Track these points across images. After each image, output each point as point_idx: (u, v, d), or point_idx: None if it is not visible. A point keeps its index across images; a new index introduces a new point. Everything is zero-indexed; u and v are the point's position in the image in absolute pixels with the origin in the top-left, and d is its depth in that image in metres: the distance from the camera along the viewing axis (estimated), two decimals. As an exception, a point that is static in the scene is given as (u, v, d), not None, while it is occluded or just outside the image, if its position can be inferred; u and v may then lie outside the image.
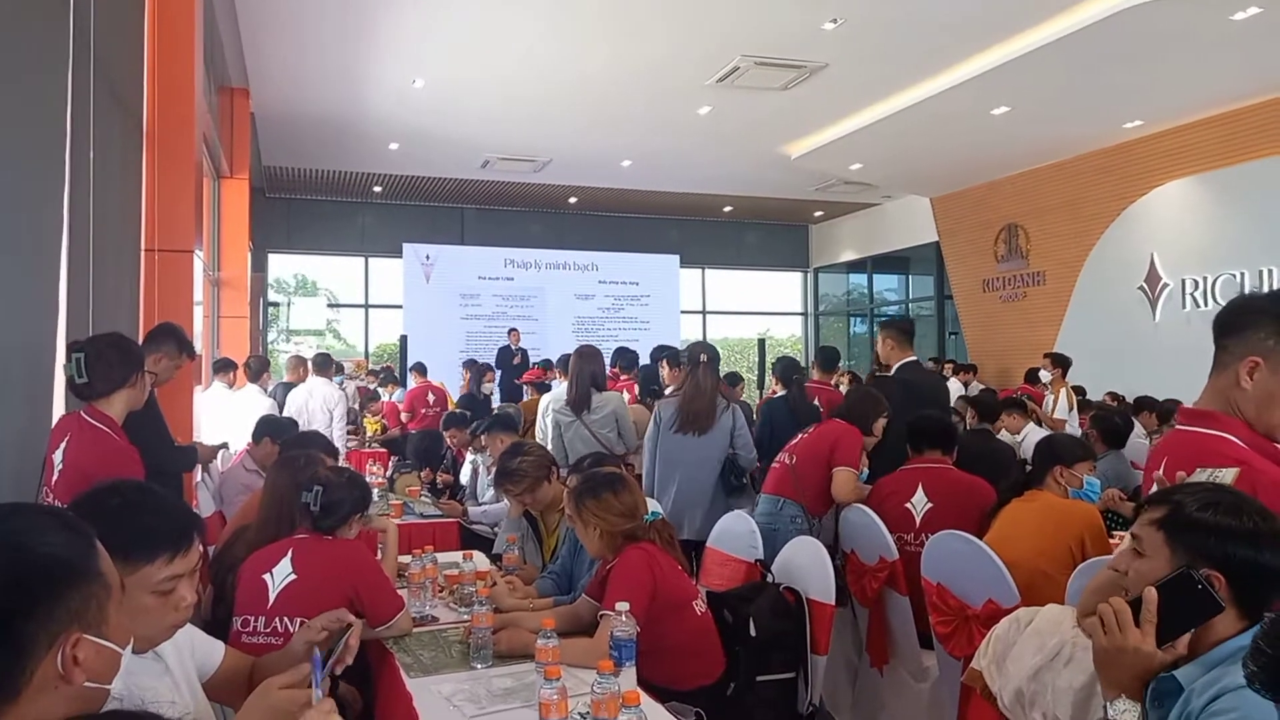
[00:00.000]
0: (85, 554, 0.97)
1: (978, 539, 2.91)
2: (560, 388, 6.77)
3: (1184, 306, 9.59)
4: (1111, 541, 3.07)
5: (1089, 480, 3.21)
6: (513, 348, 11.81)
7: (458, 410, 6.75)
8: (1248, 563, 1.39)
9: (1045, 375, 8.46)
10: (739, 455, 4.39)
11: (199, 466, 4.65)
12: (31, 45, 2.83)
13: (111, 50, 3.86)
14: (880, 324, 4.84)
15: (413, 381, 9.51)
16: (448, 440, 6.12)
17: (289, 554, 2.51)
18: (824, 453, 3.96)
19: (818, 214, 15.69)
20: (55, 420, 2.98)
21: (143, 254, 4.75)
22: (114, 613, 1.00)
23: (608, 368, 8.11)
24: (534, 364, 8.65)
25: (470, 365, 10.13)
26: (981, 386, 9.25)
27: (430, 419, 8.41)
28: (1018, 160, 11.10)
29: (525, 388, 8.38)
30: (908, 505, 3.59)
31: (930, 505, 3.54)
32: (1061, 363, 8.37)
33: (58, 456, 2.72)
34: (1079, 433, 6.53)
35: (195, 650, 1.79)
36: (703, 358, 4.46)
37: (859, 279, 16.16)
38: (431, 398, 8.99)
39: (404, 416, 9.05)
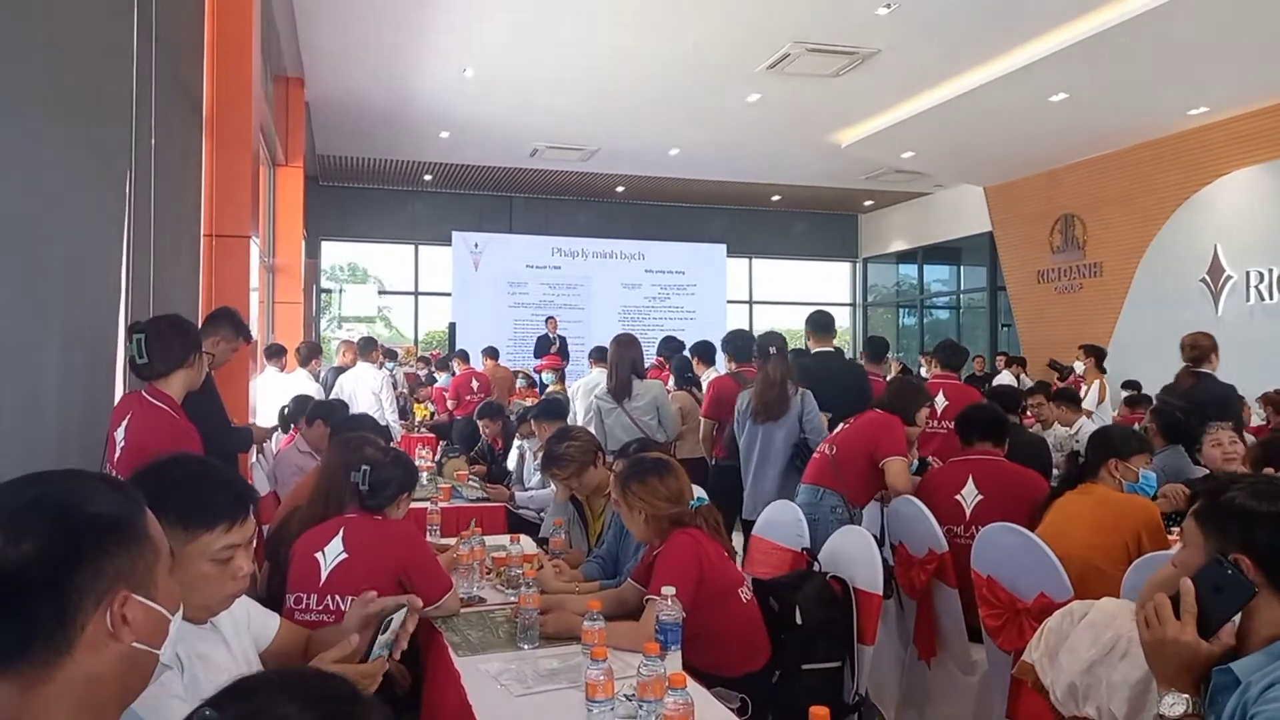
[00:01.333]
0: (134, 515, 1.00)
1: (1030, 532, 2.86)
2: (595, 374, 6.84)
3: (1248, 300, 9.30)
4: (1170, 538, 3.00)
5: (1145, 474, 3.12)
6: (551, 335, 11.87)
7: (491, 402, 6.83)
8: (1270, 545, 1.37)
9: (1079, 366, 8.42)
10: (809, 439, 4.40)
11: (254, 448, 4.76)
12: (97, 33, 2.91)
13: (173, 38, 3.95)
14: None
15: (457, 369, 9.62)
16: (482, 431, 6.22)
17: (340, 533, 2.55)
18: (865, 444, 3.93)
19: (867, 203, 15.51)
20: (117, 399, 3.07)
21: (202, 239, 4.86)
22: (163, 578, 1.02)
23: (655, 356, 8.21)
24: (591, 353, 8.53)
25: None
26: (1031, 381, 9.06)
27: (475, 405, 8.50)
28: (1076, 149, 10.84)
29: (545, 374, 8.38)
30: (958, 497, 3.54)
31: (981, 497, 3.49)
32: (1095, 353, 8.34)
33: (119, 434, 2.79)
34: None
35: (252, 622, 1.83)
36: (772, 350, 4.56)
37: (909, 269, 15.95)
38: (475, 384, 9.07)
39: (450, 404, 9.16)
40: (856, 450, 3.95)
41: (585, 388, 6.34)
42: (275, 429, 5.20)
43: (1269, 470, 2.94)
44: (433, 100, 9.52)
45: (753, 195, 14.71)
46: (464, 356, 9.61)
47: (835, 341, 5.32)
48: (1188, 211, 9.97)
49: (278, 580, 2.69)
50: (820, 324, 5.20)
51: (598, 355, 6.98)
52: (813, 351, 5.27)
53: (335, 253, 14.61)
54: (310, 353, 7.85)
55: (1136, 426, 4.88)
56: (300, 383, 7.15)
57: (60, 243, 2.59)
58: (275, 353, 7.13)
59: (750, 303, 16.25)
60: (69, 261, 2.66)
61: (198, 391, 3.09)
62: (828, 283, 16.91)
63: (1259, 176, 9.22)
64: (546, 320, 12.30)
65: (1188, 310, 9.84)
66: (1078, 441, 5.43)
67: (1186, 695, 1.39)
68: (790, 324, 16.49)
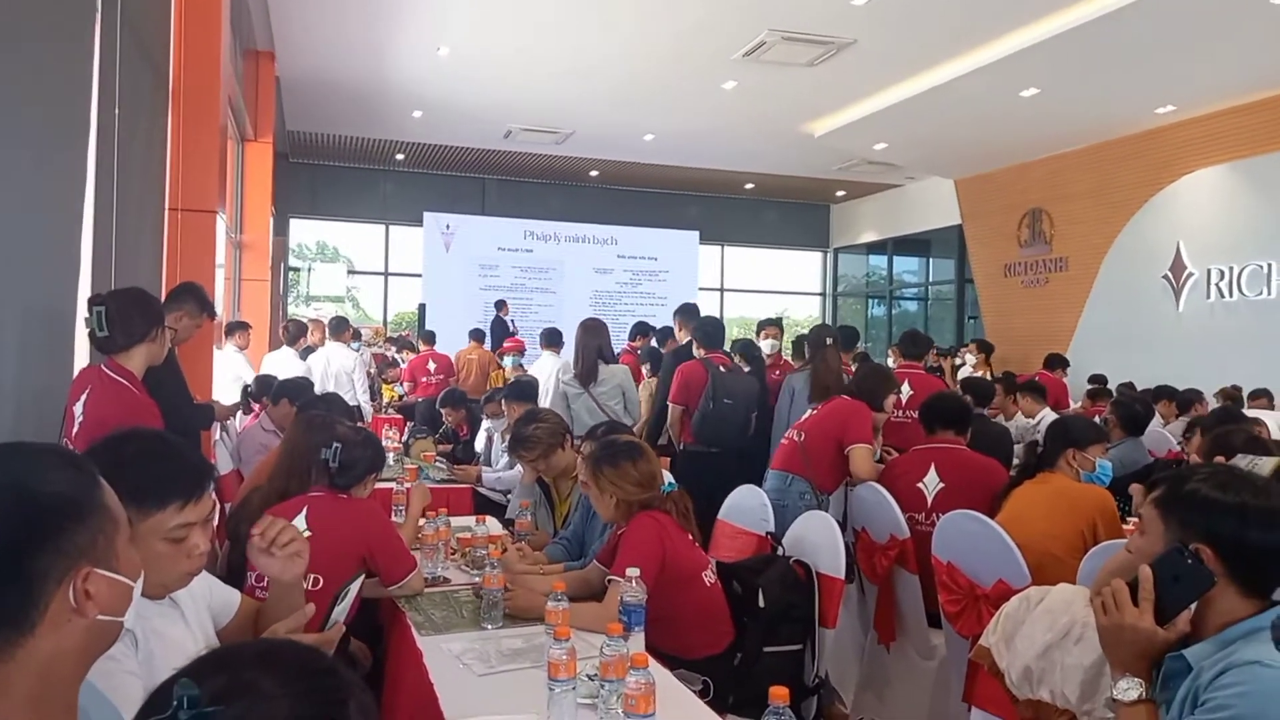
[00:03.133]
0: (89, 489, 0.98)
1: (989, 519, 2.90)
2: (547, 360, 6.87)
3: (1208, 297, 9.47)
4: (1125, 528, 3.05)
5: (1101, 463, 3.17)
6: (505, 319, 11.79)
7: (454, 390, 6.82)
8: (1233, 537, 1.39)
9: (970, 357, 9.21)
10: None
11: (217, 425, 4.70)
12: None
13: (139, 7, 3.86)
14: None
15: (422, 350, 9.55)
16: (445, 419, 6.22)
17: (304, 511, 2.53)
18: (833, 430, 3.96)
19: (840, 194, 15.57)
20: (76, 373, 3.01)
21: (166, 213, 4.77)
22: (123, 547, 1.01)
23: (627, 341, 8.22)
24: (632, 337, 8.29)
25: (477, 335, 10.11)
26: (973, 368, 9.27)
27: (432, 387, 8.46)
28: (1045, 144, 10.95)
29: (506, 358, 8.31)
30: (920, 485, 3.58)
31: (942, 485, 3.53)
32: (985, 349, 9.20)
33: (78, 408, 2.75)
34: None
35: (212, 598, 1.81)
36: (829, 340, 4.78)
37: (879, 260, 16.04)
38: (432, 365, 9.01)
39: (406, 386, 9.10)
40: (824, 436, 3.98)
41: (539, 374, 6.36)
42: (238, 407, 5.14)
43: (1219, 459, 2.99)
44: (406, 78, 9.40)
45: (726, 183, 14.71)
46: (429, 338, 9.52)
47: (803, 332, 5.44)
48: (1152, 208, 10.12)
49: (238, 557, 2.66)
50: (690, 312, 5.50)
51: (549, 339, 6.99)
52: (684, 342, 5.48)
53: (304, 231, 14.41)
54: (298, 331, 7.78)
55: (1097, 418, 4.97)
56: (286, 361, 7.09)
57: (18, 212, 2.53)
58: (235, 329, 7.03)
59: (722, 290, 16.28)
60: (26, 232, 2.60)
61: (159, 367, 3.04)
62: (799, 272, 16.98)
63: (1222, 176, 9.38)
64: (498, 304, 12.14)
65: (1150, 306, 10.01)
66: (1039, 432, 5.51)
67: (1140, 680, 1.42)
68: (760, 312, 16.55)
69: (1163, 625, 1.40)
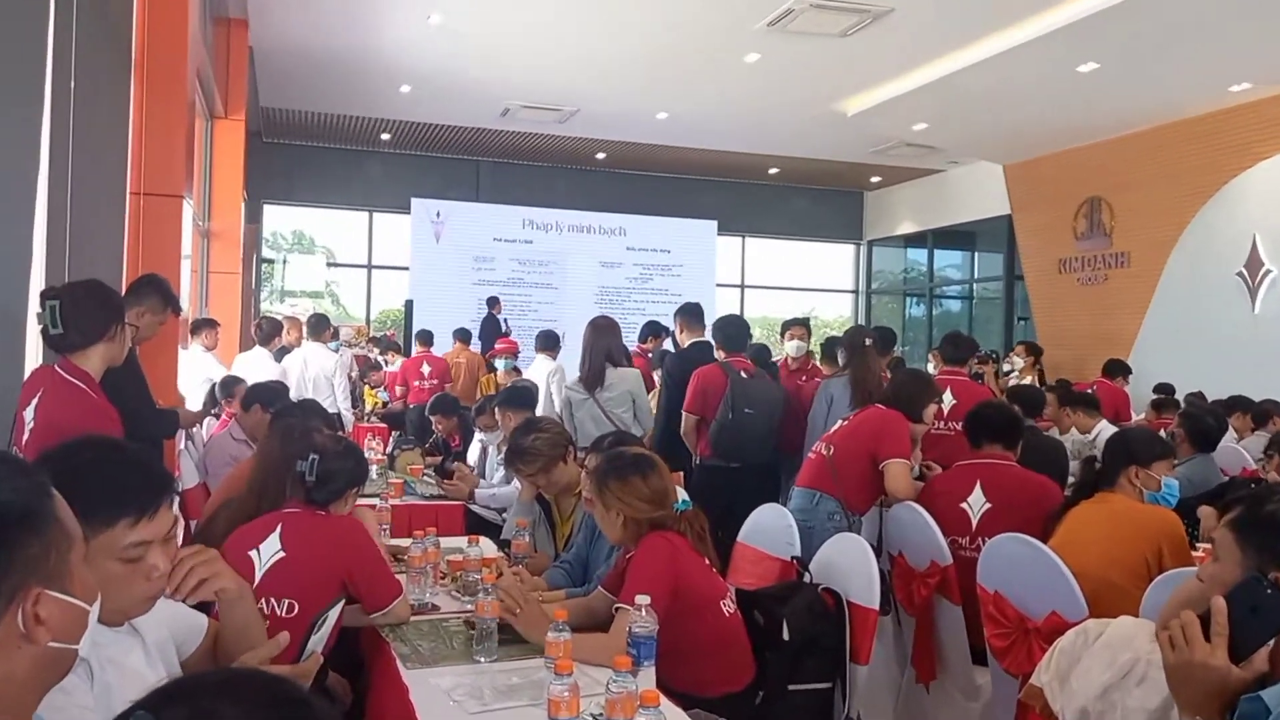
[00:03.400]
0: (39, 499, 0.98)
1: (1042, 544, 2.89)
2: (541, 363, 6.89)
3: (1289, 296, 9.43)
4: (1195, 554, 3.03)
5: (1167, 482, 3.16)
6: (497, 317, 11.78)
7: (445, 395, 6.84)
8: None
9: (1019, 361, 9.07)
10: None
11: (182, 433, 4.72)
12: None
13: (98, -30, 3.88)
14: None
15: (416, 351, 9.57)
16: (435, 427, 6.24)
17: (278, 529, 2.53)
18: (866, 443, 3.95)
19: (874, 180, 15.55)
20: (27, 374, 3.03)
21: (128, 197, 4.80)
22: (77, 566, 1.00)
23: (637, 343, 8.23)
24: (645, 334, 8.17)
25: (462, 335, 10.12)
26: (1019, 374, 9.26)
27: (425, 393, 8.49)
28: (1105, 125, 10.91)
29: (498, 361, 8.31)
30: (963, 505, 3.57)
31: (989, 506, 3.52)
32: (1035, 352, 9.06)
33: (29, 413, 2.76)
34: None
35: (177, 625, 1.81)
36: (868, 341, 4.85)
37: (918, 254, 16.02)
38: (426, 369, 9.04)
39: (397, 390, 9.13)
40: (856, 450, 3.97)
41: (531, 377, 6.39)
42: (205, 413, 5.16)
43: None
44: (393, 49, 9.44)
45: (748, 167, 14.71)
46: (425, 338, 9.55)
47: (834, 333, 5.44)
48: (1225, 198, 10.07)
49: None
50: (694, 312, 5.58)
51: (544, 342, 7.01)
52: (685, 345, 5.55)
53: (279, 218, 14.49)
54: (272, 330, 7.81)
55: (1163, 432, 4.95)
56: (260, 363, 7.12)
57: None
58: (201, 327, 7.06)
59: (742, 286, 16.29)
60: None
61: (119, 368, 3.06)
62: (828, 266, 16.98)
63: (1304, 161, 9.33)
64: (490, 302, 12.16)
65: (1221, 306, 9.95)
66: (1095, 448, 5.49)
67: None
68: (785, 311, 16.53)
69: (1238, 663, 1.39)
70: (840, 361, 5.36)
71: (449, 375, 9.12)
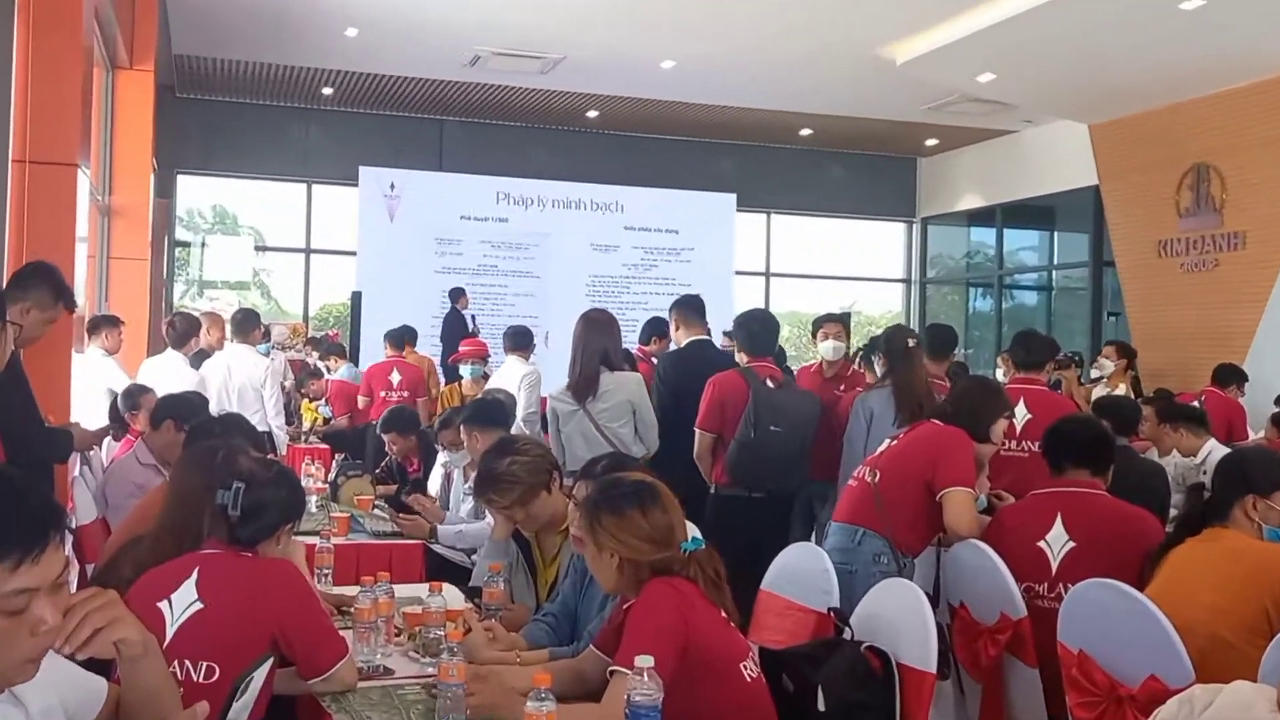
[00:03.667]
0: None
1: (1137, 592, 2.88)
2: (513, 365, 6.88)
3: None
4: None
5: (1294, 516, 3.16)
6: (463, 314, 11.80)
7: (403, 408, 6.84)
8: None
9: (1107, 365, 9.15)
10: None
11: (77, 456, 4.72)
12: None
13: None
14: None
15: (386, 354, 9.54)
16: (389, 448, 6.24)
17: (194, 575, 2.54)
18: (920, 467, 3.94)
19: (930, 143, 15.57)
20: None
21: (10, 165, 4.81)
22: None
23: (638, 344, 8.23)
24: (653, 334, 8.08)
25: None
26: (1109, 383, 9.26)
27: (395, 403, 8.47)
28: (1214, 75, 10.91)
29: (463, 366, 8.25)
30: (1041, 544, 3.57)
31: (1072, 545, 3.52)
32: (1127, 353, 9.14)
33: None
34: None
35: (68, 690, 1.81)
36: (910, 341, 4.92)
37: (984, 235, 16.03)
38: (396, 377, 9.05)
39: (360, 401, 9.12)
40: (908, 475, 3.96)
41: (502, 384, 6.40)
42: (106, 431, 5.16)
43: None
44: (336, -16, 9.47)
45: (774, 128, 14.73)
46: (398, 339, 9.51)
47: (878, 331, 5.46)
48: (1362, 165, 10.08)
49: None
50: (695, 306, 5.69)
51: (514, 341, 6.99)
52: (683, 344, 5.72)
53: (196, 192, 14.52)
54: (188, 329, 7.81)
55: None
56: (174, 369, 7.12)
57: None
58: (100, 326, 7.05)
59: (767, 275, 16.30)
60: None
61: (-1, 375, 3.06)
62: (874, 250, 17.00)
63: None
64: (455, 294, 12.18)
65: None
66: (1203, 473, 5.49)
67: None
68: (819, 305, 16.51)
69: None
70: (878, 370, 5.35)
71: (424, 386, 9.12)
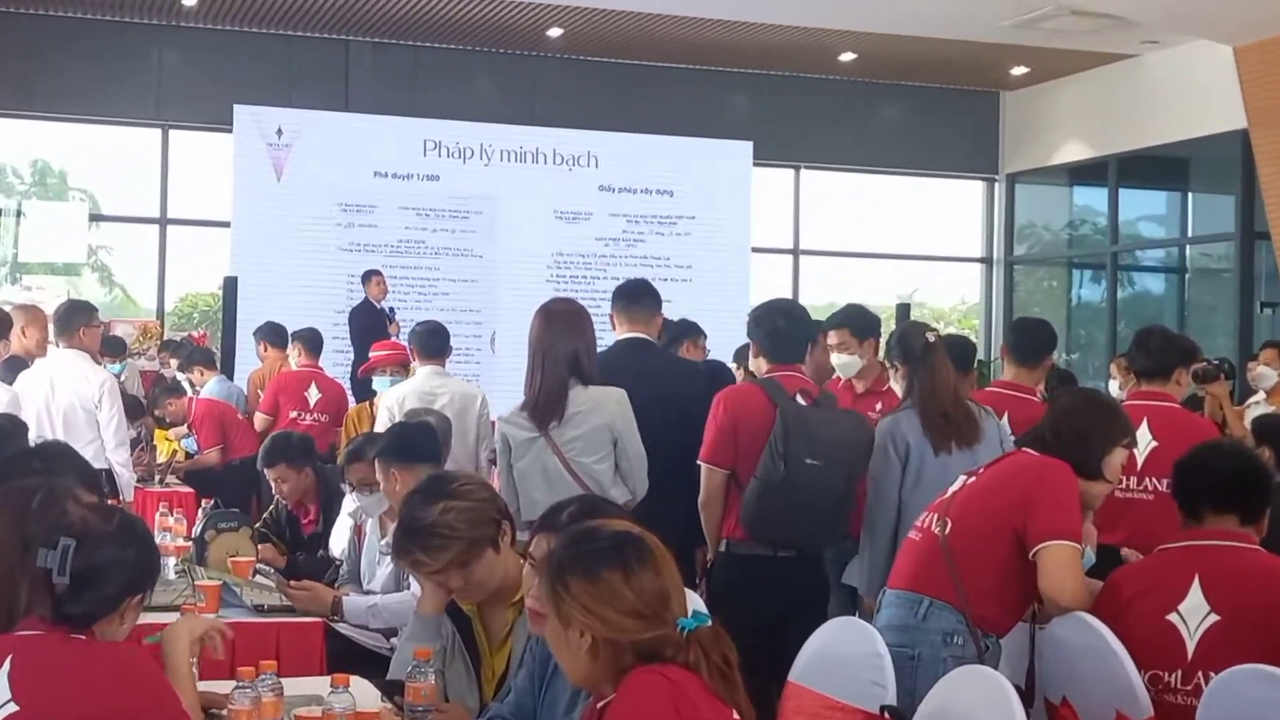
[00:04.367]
0: None
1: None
2: (425, 378, 6.87)
3: None
4: None
5: None
6: (378, 306, 11.83)
7: (293, 434, 6.86)
8: None
9: (1269, 374, 9.26)
10: None
11: None
12: None
13: None
14: None
15: (294, 361, 9.54)
16: (274, 488, 6.24)
17: (6, 665, 2.53)
18: (1006, 512, 3.94)
19: (1018, 72, 15.63)
20: None
21: None
22: None
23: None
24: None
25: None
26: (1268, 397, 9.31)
27: (314, 430, 8.49)
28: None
29: (378, 377, 8.26)
30: (1171, 617, 3.58)
31: (1215, 619, 3.53)
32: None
33: None
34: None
35: None
36: (931, 336, 4.92)
37: (1092, 197, 16.14)
38: (314, 395, 9.08)
39: (259, 421, 9.15)
40: (990, 525, 3.96)
41: (397, 400, 6.42)
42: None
43: None
44: None
45: (805, 53, 14.79)
46: (310, 343, 9.53)
47: (953, 329, 5.49)
48: None
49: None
50: (630, 293, 5.84)
51: (427, 345, 6.98)
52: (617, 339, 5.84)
53: (10, 141, 14.49)
54: None
55: None
56: None
57: None
58: None
59: (795, 252, 16.35)
60: None
61: None
62: (940, 220, 17.13)
63: None
64: (368, 278, 12.30)
65: None
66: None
67: None
68: (868, 294, 16.54)
69: None
70: (899, 382, 5.30)
71: (345, 406, 9.22)
